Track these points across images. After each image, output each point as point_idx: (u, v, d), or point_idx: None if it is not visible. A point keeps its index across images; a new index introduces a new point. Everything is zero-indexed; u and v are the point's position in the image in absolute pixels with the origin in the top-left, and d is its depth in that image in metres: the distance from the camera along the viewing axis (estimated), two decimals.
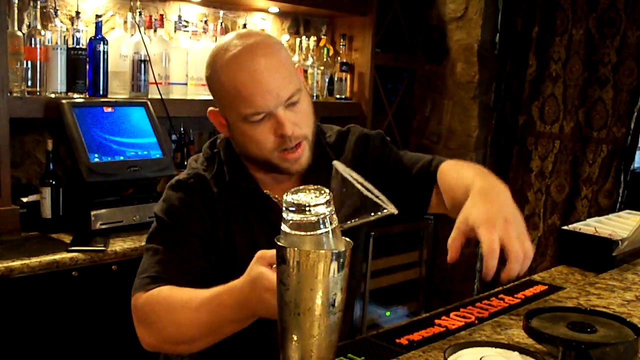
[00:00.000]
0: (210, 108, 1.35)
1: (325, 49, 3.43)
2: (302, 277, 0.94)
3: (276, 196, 1.35)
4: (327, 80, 3.40)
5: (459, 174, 1.34)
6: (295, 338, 0.96)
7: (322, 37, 3.48)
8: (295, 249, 0.94)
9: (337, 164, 1.07)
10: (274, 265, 1.01)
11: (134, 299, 1.22)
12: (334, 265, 0.95)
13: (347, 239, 1.02)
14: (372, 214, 1.06)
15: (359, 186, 1.05)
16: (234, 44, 1.26)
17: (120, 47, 2.60)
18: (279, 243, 0.97)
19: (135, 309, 1.21)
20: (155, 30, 2.71)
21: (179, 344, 1.19)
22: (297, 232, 0.96)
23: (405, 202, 1.31)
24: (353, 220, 1.04)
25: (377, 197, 1.05)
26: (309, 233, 0.96)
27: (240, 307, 1.09)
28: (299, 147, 1.29)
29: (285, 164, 1.29)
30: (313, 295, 0.95)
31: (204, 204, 1.30)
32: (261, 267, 1.05)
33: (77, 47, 2.45)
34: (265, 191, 1.36)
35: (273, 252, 0.99)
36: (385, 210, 1.05)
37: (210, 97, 1.37)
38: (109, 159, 2.35)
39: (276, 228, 1.15)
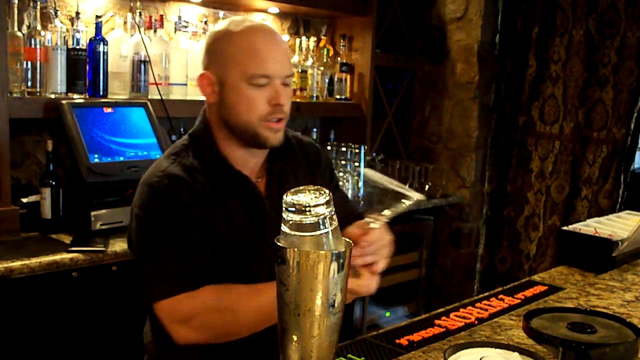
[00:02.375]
0: (202, 71, 1.41)
1: (325, 49, 3.44)
2: (302, 277, 0.94)
3: (246, 174, 1.43)
4: (327, 80, 3.40)
5: None
6: (295, 338, 0.96)
7: (322, 37, 3.48)
8: (295, 249, 0.94)
9: (367, 170, 1.19)
10: None
11: (170, 301, 1.28)
12: (334, 265, 0.95)
13: (347, 240, 1.02)
14: (406, 202, 1.23)
15: (390, 185, 1.18)
16: (247, 19, 1.41)
17: (120, 48, 2.60)
18: (279, 243, 0.97)
19: (173, 309, 1.29)
20: (155, 31, 2.71)
21: (225, 337, 1.31)
22: (297, 233, 0.96)
23: None
24: (392, 210, 1.22)
25: (406, 190, 1.22)
26: (308, 234, 0.96)
27: None
28: (281, 121, 1.40)
29: (266, 133, 1.38)
30: (313, 295, 0.95)
31: (179, 201, 1.35)
32: None
33: (77, 47, 2.45)
34: (236, 169, 1.42)
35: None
36: (414, 198, 1.21)
37: None
38: (109, 159, 2.35)
39: (248, 202, 1.40)
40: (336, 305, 0.97)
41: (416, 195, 1.24)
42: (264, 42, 1.36)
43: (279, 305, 0.98)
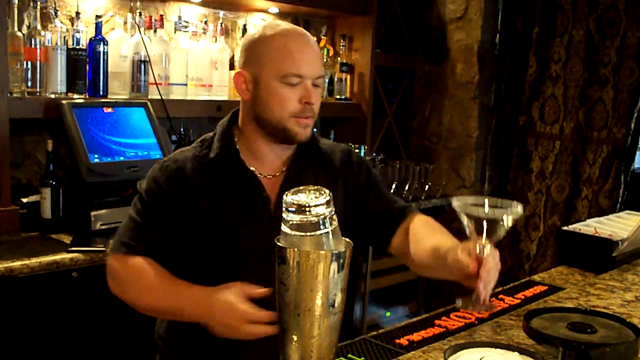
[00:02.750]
0: (238, 69, 1.48)
1: (325, 49, 3.43)
2: (302, 277, 0.94)
3: (258, 170, 1.49)
4: (327, 80, 3.40)
5: (433, 230, 1.49)
6: (295, 338, 0.96)
7: (322, 37, 3.48)
8: (296, 249, 0.94)
9: (456, 202, 1.20)
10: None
11: (110, 258, 1.46)
12: (334, 265, 0.95)
13: (347, 240, 1.02)
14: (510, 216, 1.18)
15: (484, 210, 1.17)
16: (282, 23, 1.49)
17: (120, 48, 2.60)
18: (279, 243, 0.97)
19: (110, 267, 1.45)
20: (155, 31, 2.71)
21: (135, 307, 1.43)
22: (297, 233, 0.96)
23: (369, 234, 1.57)
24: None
25: (501, 206, 1.19)
26: (309, 234, 0.96)
27: (198, 316, 1.31)
28: (310, 118, 1.46)
29: (296, 128, 1.44)
30: (313, 295, 0.95)
31: (175, 183, 1.45)
32: (240, 302, 1.22)
33: (77, 47, 2.45)
34: (250, 168, 1.48)
35: (257, 291, 1.20)
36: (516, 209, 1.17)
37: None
38: (109, 159, 2.35)
39: (249, 198, 1.45)
40: (336, 305, 0.97)
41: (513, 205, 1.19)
42: (298, 43, 1.44)
43: (279, 305, 0.99)
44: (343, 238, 1.01)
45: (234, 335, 1.24)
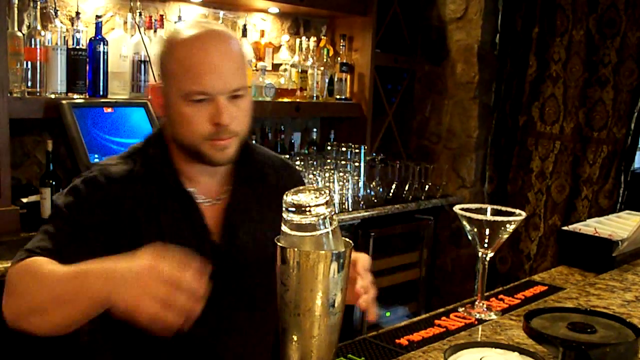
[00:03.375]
0: (152, 83, 1.32)
1: (325, 49, 3.43)
2: (302, 277, 0.94)
3: (196, 193, 1.30)
4: (327, 80, 3.40)
5: None
6: (295, 338, 0.96)
7: (322, 37, 3.48)
8: (296, 249, 0.94)
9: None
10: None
11: (8, 272, 1.17)
12: (334, 265, 0.95)
13: (347, 240, 1.02)
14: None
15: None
16: (197, 25, 1.26)
17: (120, 48, 2.60)
18: (279, 244, 0.97)
19: (6, 280, 1.16)
20: (155, 31, 2.71)
21: (32, 313, 1.11)
22: (297, 233, 0.96)
23: None
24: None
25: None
26: (309, 234, 0.96)
27: (105, 280, 1.02)
28: (229, 139, 1.26)
29: (211, 151, 1.25)
30: (313, 295, 0.95)
31: (103, 202, 1.24)
32: (160, 261, 1.00)
33: (77, 47, 2.45)
34: (189, 189, 1.30)
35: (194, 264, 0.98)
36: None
37: None
38: None
39: (190, 227, 1.23)
40: (336, 305, 0.97)
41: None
42: (204, 55, 1.21)
43: (279, 306, 0.99)
44: (343, 238, 1.01)
45: (152, 308, 0.97)
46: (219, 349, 1.31)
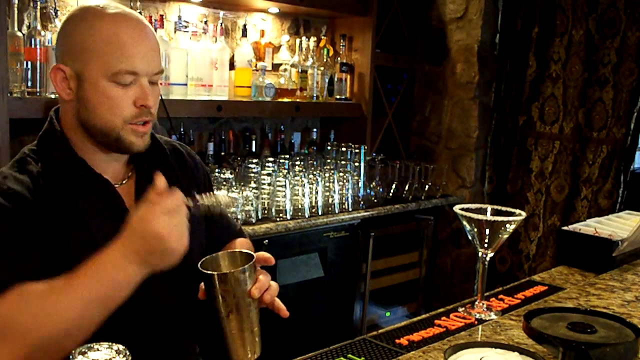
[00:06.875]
0: (58, 64, 1.23)
1: (325, 49, 3.43)
2: (224, 292, 1.13)
3: (107, 178, 1.27)
4: (327, 80, 3.40)
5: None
6: (230, 334, 1.16)
7: (322, 37, 3.48)
8: (216, 273, 1.13)
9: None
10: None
11: None
12: (243, 276, 1.14)
13: (248, 252, 1.21)
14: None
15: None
16: (112, 6, 1.24)
17: None
18: (206, 272, 1.14)
19: None
20: (155, 31, 2.71)
21: (52, 346, 1.03)
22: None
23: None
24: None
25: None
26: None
27: (128, 259, 1.05)
28: (147, 124, 1.26)
29: (131, 137, 1.23)
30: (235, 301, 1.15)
31: (16, 220, 1.15)
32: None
33: None
34: (96, 172, 1.26)
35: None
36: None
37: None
38: None
39: (109, 209, 1.26)
40: (252, 302, 1.16)
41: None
42: (132, 32, 1.20)
43: (213, 314, 1.16)
44: (242, 250, 1.23)
45: (182, 231, 1.07)
46: (154, 311, 1.30)
